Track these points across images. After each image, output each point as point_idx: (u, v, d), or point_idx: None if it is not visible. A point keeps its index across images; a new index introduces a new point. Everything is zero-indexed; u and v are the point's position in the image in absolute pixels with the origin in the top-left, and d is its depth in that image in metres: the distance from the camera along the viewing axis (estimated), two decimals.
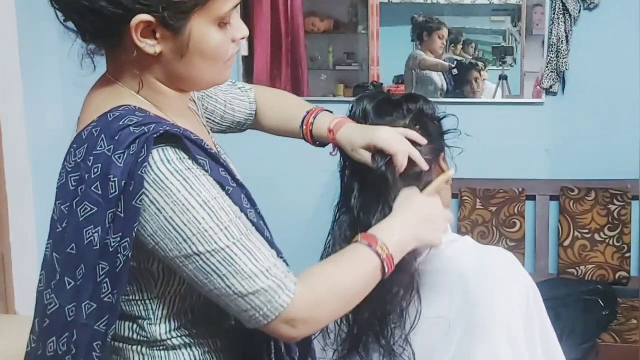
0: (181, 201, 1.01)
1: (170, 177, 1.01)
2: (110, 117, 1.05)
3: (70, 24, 1.07)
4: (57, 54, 2.83)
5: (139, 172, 0.99)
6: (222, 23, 1.08)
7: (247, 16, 3.43)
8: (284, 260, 1.11)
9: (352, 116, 1.36)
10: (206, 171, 1.05)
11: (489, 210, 3.34)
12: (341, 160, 1.38)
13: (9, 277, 2.85)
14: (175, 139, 1.03)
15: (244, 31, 1.14)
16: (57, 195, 1.07)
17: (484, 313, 1.28)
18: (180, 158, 1.03)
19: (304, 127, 1.38)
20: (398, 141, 1.27)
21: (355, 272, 1.12)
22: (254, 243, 1.05)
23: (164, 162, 1.02)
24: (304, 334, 1.10)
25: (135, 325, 1.13)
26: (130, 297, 1.11)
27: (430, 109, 1.36)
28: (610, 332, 2.99)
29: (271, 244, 1.11)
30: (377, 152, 1.27)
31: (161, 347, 1.13)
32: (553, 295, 2.86)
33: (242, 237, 1.04)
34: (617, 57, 3.29)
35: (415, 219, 1.21)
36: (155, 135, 1.01)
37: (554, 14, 3.27)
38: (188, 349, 1.14)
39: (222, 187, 1.06)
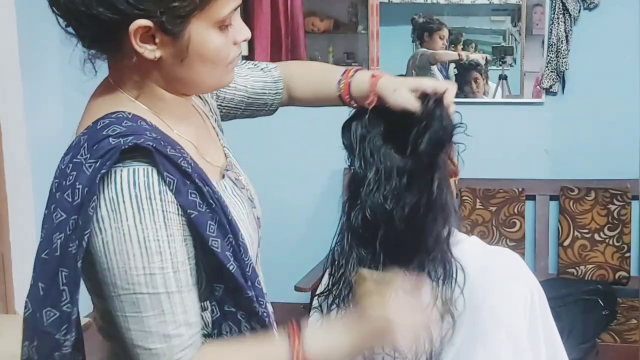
0: (123, 229, 0.99)
1: (127, 201, 0.99)
2: (99, 125, 1.04)
3: (71, 29, 1.07)
4: (57, 54, 2.83)
5: (96, 181, 0.98)
6: (222, 26, 1.06)
7: (247, 16, 3.43)
8: (249, 297, 1.08)
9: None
10: (171, 190, 1.01)
11: (489, 210, 3.34)
12: (348, 159, 1.37)
13: (9, 277, 2.85)
14: (146, 152, 1.01)
15: (246, 33, 1.12)
16: (47, 200, 1.08)
17: (486, 314, 1.28)
18: (147, 183, 1.00)
19: (343, 82, 1.33)
20: (444, 83, 1.26)
21: None
22: (172, 304, 1.01)
23: (130, 184, 0.99)
24: None
25: None
26: None
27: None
28: (610, 332, 2.99)
29: (234, 276, 1.07)
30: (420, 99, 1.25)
31: None
32: (553, 295, 2.84)
33: (163, 291, 1.01)
34: (617, 57, 3.29)
35: (364, 344, 1.13)
36: (123, 147, 0.99)
37: (554, 14, 3.27)
38: None
39: (185, 211, 1.03)
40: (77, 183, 0.99)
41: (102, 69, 1.12)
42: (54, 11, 1.05)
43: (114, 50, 1.06)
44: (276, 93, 1.42)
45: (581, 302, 3.05)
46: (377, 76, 1.29)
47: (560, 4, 3.24)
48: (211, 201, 1.06)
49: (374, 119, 1.33)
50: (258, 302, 1.11)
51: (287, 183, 3.55)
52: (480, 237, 1.41)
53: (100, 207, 0.99)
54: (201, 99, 1.28)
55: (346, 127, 1.36)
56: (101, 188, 0.99)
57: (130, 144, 1.00)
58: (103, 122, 1.04)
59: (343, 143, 1.36)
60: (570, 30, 3.28)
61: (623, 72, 3.26)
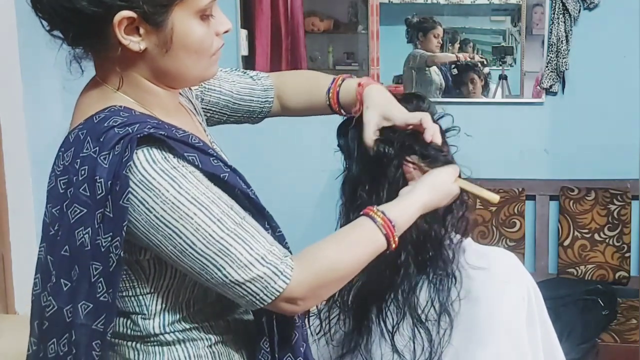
0: (171, 200, 1.02)
1: (158, 177, 1.02)
2: (95, 119, 1.06)
3: (57, 32, 1.08)
4: (58, 54, 2.81)
5: (124, 172, 1.00)
6: (204, 16, 1.09)
7: (248, 16, 3.43)
8: (281, 234, 1.15)
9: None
10: (196, 166, 1.05)
11: (489, 210, 3.34)
12: (344, 161, 1.37)
13: (9, 277, 2.85)
14: (154, 139, 1.03)
15: (227, 25, 1.15)
16: (47, 198, 1.08)
17: (486, 315, 1.28)
18: (165, 158, 1.04)
19: (332, 90, 1.36)
20: (415, 114, 1.27)
21: (360, 254, 1.14)
22: (249, 231, 1.07)
23: (150, 162, 1.02)
24: (305, 309, 1.14)
25: (129, 321, 1.14)
26: (124, 294, 1.12)
27: (434, 107, 1.36)
28: (610, 332, 2.99)
29: (270, 216, 1.14)
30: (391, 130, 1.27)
31: (155, 343, 1.14)
32: (553, 295, 2.86)
33: (236, 227, 1.05)
34: (617, 57, 3.29)
35: (429, 201, 1.22)
36: (139, 136, 1.02)
37: (554, 14, 3.27)
38: (182, 345, 1.15)
39: (217, 177, 1.07)
40: (97, 177, 1.01)
41: (89, 68, 1.13)
42: (37, 14, 1.06)
43: (98, 45, 1.08)
44: (265, 101, 1.44)
45: (581, 302, 3.04)
46: (363, 85, 1.31)
47: (560, 4, 3.24)
48: (229, 164, 1.12)
49: None
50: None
51: (287, 183, 3.55)
52: (480, 237, 1.42)
53: (135, 192, 1.02)
54: (186, 98, 1.29)
55: (342, 130, 1.37)
56: (126, 177, 1.01)
57: (145, 133, 1.02)
58: (99, 117, 1.06)
59: (339, 145, 1.37)
60: (570, 30, 3.28)
61: (623, 72, 3.25)
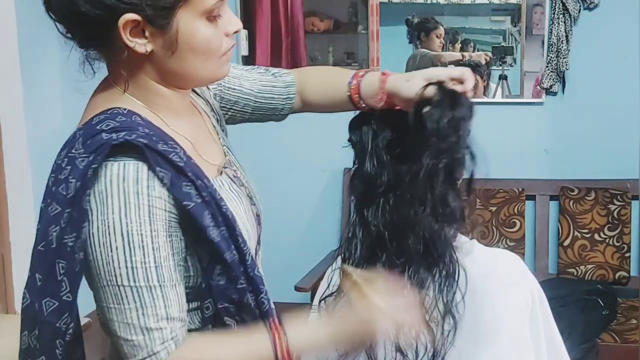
0: (108, 221, 1.01)
1: (115, 194, 1.01)
2: (94, 121, 1.06)
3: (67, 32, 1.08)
4: (58, 54, 2.83)
5: (87, 175, 1.00)
6: (210, 17, 1.08)
7: (248, 16, 3.43)
8: (243, 288, 1.09)
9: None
10: (164, 184, 1.03)
11: (489, 210, 3.34)
12: (355, 158, 1.36)
13: (9, 277, 2.85)
14: (137, 148, 1.02)
15: (237, 24, 1.13)
16: (43, 194, 1.09)
17: (489, 318, 1.28)
18: (136, 178, 1.02)
19: (353, 82, 1.32)
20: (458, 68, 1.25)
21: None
22: (153, 298, 1.02)
23: (119, 178, 1.01)
24: None
25: None
26: None
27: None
28: (610, 332, 2.99)
29: (233, 265, 1.08)
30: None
31: None
32: (553, 295, 2.84)
33: (144, 285, 1.02)
34: (617, 57, 3.29)
35: (349, 336, 1.14)
36: (114, 143, 1.01)
37: (554, 14, 3.27)
38: None
39: (180, 204, 1.04)
40: (71, 177, 1.02)
41: (102, 69, 1.13)
42: (50, 16, 1.06)
43: (106, 47, 1.08)
44: (287, 98, 1.41)
45: (581, 302, 3.05)
46: (387, 74, 1.29)
47: (560, 4, 3.24)
48: (204, 194, 1.07)
49: (382, 122, 1.32)
50: (257, 290, 1.12)
51: (287, 183, 3.55)
52: (480, 237, 1.42)
53: (90, 200, 1.02)
54: (203, 98, 1.29)
55: (355, 124, 1.35)
56: (93, 182, 1.01)
57: (121, 139, 1.02)
58: (98, 118, 1.06)
59: (350, 140, 1.35)
60: (570, 30, 3.28)
61: (623, 72, 3.26)
